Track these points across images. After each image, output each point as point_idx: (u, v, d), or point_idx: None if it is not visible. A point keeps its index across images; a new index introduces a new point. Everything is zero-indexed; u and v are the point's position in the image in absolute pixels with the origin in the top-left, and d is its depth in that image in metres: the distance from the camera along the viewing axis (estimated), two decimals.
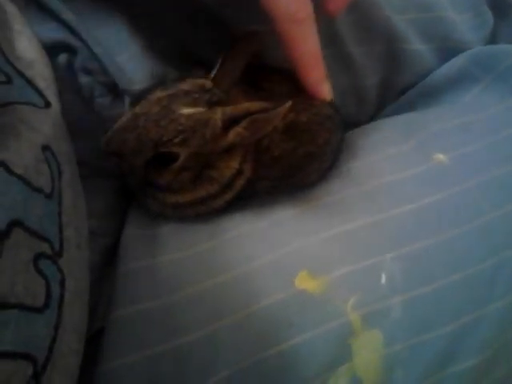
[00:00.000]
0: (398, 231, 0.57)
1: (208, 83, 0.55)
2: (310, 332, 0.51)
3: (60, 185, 0.44)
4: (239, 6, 0.63)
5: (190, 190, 0.57)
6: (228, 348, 0.50)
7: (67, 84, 0.61)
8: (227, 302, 0.53)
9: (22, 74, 0.45)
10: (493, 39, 0.78)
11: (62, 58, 0.63)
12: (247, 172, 0.58)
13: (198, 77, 0.57)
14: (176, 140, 0.52)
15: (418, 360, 0.50)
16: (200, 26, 0.64)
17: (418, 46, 0.72)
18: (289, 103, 0.50)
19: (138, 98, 0.59)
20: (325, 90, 0.57)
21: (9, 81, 0.42)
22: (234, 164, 0.56)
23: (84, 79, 0.64)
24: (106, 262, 0.59)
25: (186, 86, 0.55)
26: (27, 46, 0.49)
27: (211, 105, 0.53)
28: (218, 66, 0.56)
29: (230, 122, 0.53)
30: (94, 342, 0.51)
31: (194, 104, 0.53)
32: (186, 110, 0.52)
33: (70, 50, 0.63)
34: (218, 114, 0.53)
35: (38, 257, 0.37)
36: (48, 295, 0.38)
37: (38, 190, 0.39)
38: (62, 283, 0.40)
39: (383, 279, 0.53)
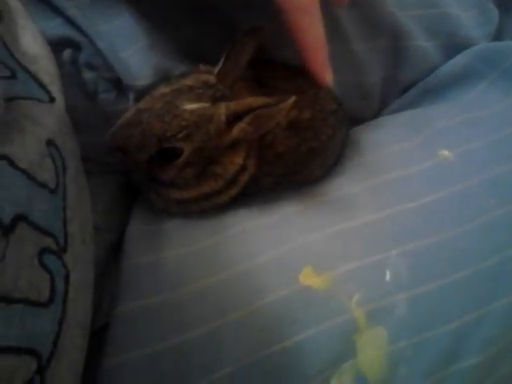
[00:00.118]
0: (402, 228, 0.57)
1: (212, 79, 0.55)
2: (314, 328, 0.50)
3: (65, 180, 0.44)
4: (245, 2, 0.63)
5: (194, 185, 0.57)
6: (231, 344, 0.50)
7: (72, 80, 0.61)
8: (230, 298, 0.53)
9: (26, 69, 0.45)
10: (498, 36, 0.78)
11: (67, 53, 0.63)
12: (251, 168, 0.58)
13: (202, 72, 0.57)
14: (180, 135, 0.52)
15: (423, 357, 0.50)
16: (204, 22, 0.64)
17: (422, 43, 0.72)
18: (292, 98, 0.50)
19: (142, 93, 0.59)
20: (329, 74, 0.57)
21: (13, 76, 0.42)
22: (238, 160, 0.56)
23: (88, 75, 0.64)
24: (111, 257, 0.59)
25: (189, 81, 0.55)
26: (31, 42, 0.49)
27: (215, 100, 0.53)
28: (221, 61, 0.55)
29: (234, 118, 0.52)
30: (98, 338, 0.51)
31: (197, 99, 0.53)
32: (190, 106, 0.52)
33: (75, 45, 0.63)
34: (222, 110, 0.53)
35: (43, 252, 0.37)
36: (53, 290, 0.38)
37: (43, 185, 0.39)
38: (67, 278, 0.40)
39: (388, 276, 0.53)
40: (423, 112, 0.72)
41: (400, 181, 0.62)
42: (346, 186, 0.63)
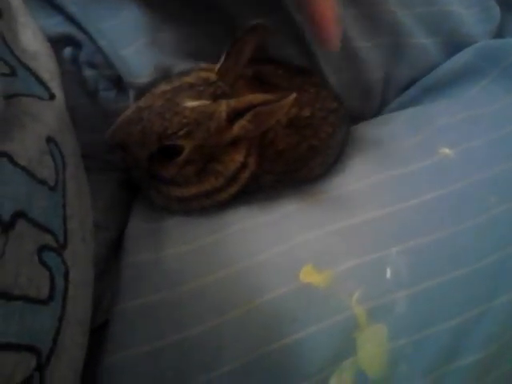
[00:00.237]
0: (403, 225, 0.57)
1: (212, 76, 0.55)
2: (315, 326, 0.50)
3: (64, 177, 0.44)
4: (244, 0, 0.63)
5: (194, 183, 0.57)
6: (231, 342, 0.50)
7: (72, 77, 0.61)
8: (230, 296, 0.53)
9: (26, 66, 0.45)
10: (499, 33, 0.78)
11: (67, 51, 0.63)
12: (252, 165, 0.58)
13: (203, 70, 0.57)
14: (180, 133, 0.52)
15: (423, 354, 0.50)
16: (205, 20, 0.64)
17: (423, 40, 0.72)
18: (293, 95, 0.50)
19: (142, 91, 0.59)
20: (337, 33, 0.55)
21: (13, 73, 0.42)
22: (239, 157, 0.56)
23: (89, 72, 0.64)
24: (111, 254, 0.59)
25: (190, 78, 0.55)
26: (31, 39, 0.49)
27: (216, 98, 0.54)
28: (222, 58, 0.55)
29: (235, 115, 0.53)
30: (98, 335, 0.51)
31: (198, 97, 0.53)
32: (191, 103, 0.52)
33: (75, 43, 0.63)
34: (223, 107, 0.53)
35: (42, 249, 0.37)
36: (52, 287, 0.38)
37: (42, 182, 0.39)
38: (66, 275, 0.40)
39: (388, 273, 0.53)
40: (424, 110, 0.72)
41: (401, 178, 0.62)
42: (346, 183, 0.63)
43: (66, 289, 0.40)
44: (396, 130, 0.69)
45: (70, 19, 0.62)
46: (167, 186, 0.58)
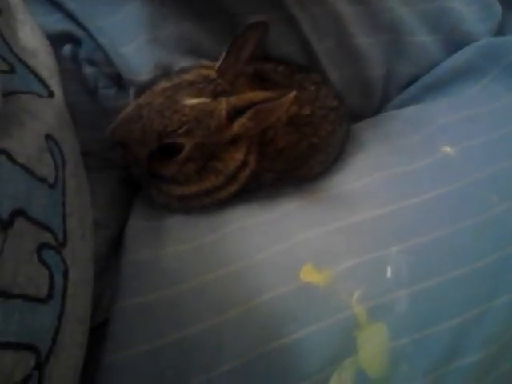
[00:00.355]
0: (404, 224, 0.57)
1: (212, 73, 0.55)
2: (315, 325, 0.50)
3: (64, 175, 0.44)
4: None
5: (194, 181, 0.57)
6: (230, 341, 0.50)
7: (72, 75, 0.61)
8: (230, 295, 0.52)
9: (25, 64, 0.45)
10: (500, 31, 0.78)
11: (67, 48, 0.63)
12: (252, 164, 0.58)
13: (203, 67, 0.57)
14: (180, 131, 0.52)
15: (423, 354, 0.50)
16: (205, 17, 0.64)
17: (424, 38, 0.72)
18: (293, 93, 0.50)
19: (142, 88, 0.59)
20: None
21: (12, 70, 0.42)
22: (239, 156, 0.56)
23: (88, 70, 0.64)
24: (111, 252, 0.59)
25: (190, 76, 0.55)
26: (30, 36, 0.49)
27: (216, 95, 0.53)
28: (223, 56, 0.55)
29: (235, 113, 0.52)
30: (98, 334, 0.51)
31: (198, 94, 0.53)
32: (191, 101, 0.52)
33: (75, 40, 0.63)
34: (223, 105, 0.53)
35: (42, 247, 0.37)
36: (51, 286, 0.37)
37: (42, 180, 0.39)
38: (66, 274, 0.40)
39: (389, 272, 0.53)
40: (425, 108, 0.72)
41: (401, 177, 0.62)
42: (346, 182, 0.63)
43: (65, 287, 0.40)
44: (397, 128, 0.69)
45: (70, 16, 0.62)
46: (167, 184, 0.58)
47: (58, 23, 0.62)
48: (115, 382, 0.48)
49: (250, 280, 0.53)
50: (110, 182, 0.63)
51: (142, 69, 0.61)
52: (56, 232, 0.40)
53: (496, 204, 0.58)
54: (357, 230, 0.57)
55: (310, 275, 0.53)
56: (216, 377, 0.48)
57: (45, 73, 0.47)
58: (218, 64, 0.56)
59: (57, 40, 0.60)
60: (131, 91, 0.62)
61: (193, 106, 0.52)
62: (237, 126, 0.53)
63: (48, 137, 0.42)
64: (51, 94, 0.46)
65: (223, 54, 0.55)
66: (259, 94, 0.53)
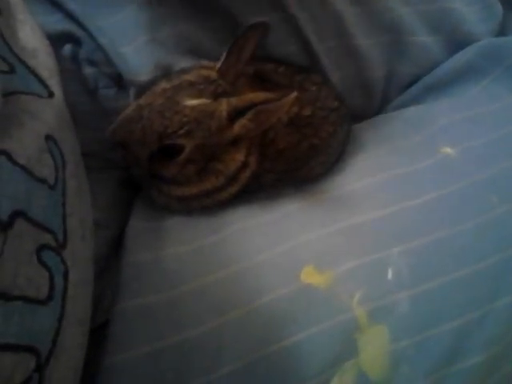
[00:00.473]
0: (405, 225, 0.57)
1: (213, 74, 0.55)
2: (315, 327, 0.50)
3: (64, 175, 0.44)
4: None
5: (195, 182, 0.57)
6: (231, 343, 0.50)
7: (72, 75, 0.61)
8: (230, 296, 0.52)
9: (25, 64, 0.45)
10: (502, 31, 0.77)
11: (67, 49, 0.63)
12: (252, 165, 0.58)
13: (203, 68, 0.57)
14: (181, 132, 0.51)
15: (424, 356, 0.50)
16: (205, 17, 0.64)
17: (425, 38, 0.72)
18: (294, 94, 0.50)
19: (142, 89, 0.59)
20: None
21: (12, 70, 0.42)
22: (240, 157, 0.56)
23: (88, 70, 0.64)
24: (111, 253, 0.59)
25: (190, 77, 0.55)
26: (30, 36, 0.49)
27: (216, 96, 0.53)
28: (223, 57, 0.55)
29: (236, 114, 0.52)
30: (98, 335, 0.51)
31: (198, 95, 0.53)
32: (191, 102, 0.52)
33: (75, 40, 0.63)
34: (224, 106, 0.52)
35: (42, 248, 0.37)
36: (52, 287, 0.37)
37: (42, 181, 0.39)
38: (66, 275, 0.40)
39: (390, 274, 0.53)
40: (425, 108, 0.72)
41: (402, 178, 0.62)
42: (347, 183, 0.62)
43: (65, 288, 0.40)
44: (397, 128, 0.69)
45: (70, 16, 0.62)
46: (168, 185, 0.58)
47: (58, 23, 0.62)
48: (115, 383, 0.48)
49: (251, 281, 0.53)
50: (110, 183, 0.63)
51: (142, 69, 0.61)
52: (56, 233, 0.40)
53: (497, 205, 0.58)
54: (357, 232, 0.57)
55: (310, 277, 0.53)
56: (216, 379, 0.48)
57: (45, 73, 0.47)
58: (218, 65, 0.55)
59: (57, 40, 0.60)
60: (131, 91, 0.62)
61: (193, 107, 0.52)
62: (237, 126, 0.53)
63: (48, 137, 0.42)
64: (51, 95, 0.46)
65: (224, 54, 0.55)
66: (260, 95, 0.53)
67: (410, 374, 0.49)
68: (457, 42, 0.73)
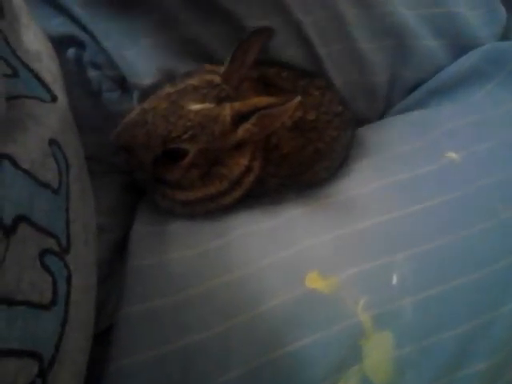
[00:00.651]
0: (409, 231, 0.57)
1: (217, 79, 0.55)
2: (320, 333, 0.50)
3: (68, 179, 0.43)
4: (250, 1, 0.63)
5: (199, 186, 0.57)
6: (237, 347, 0.50)
7: (75, 78, 0.61)
8: (235, 301, 0.52)
9: (28, 68, 0.45)
10: (506, 35, 0.77)
11: (71, 52, 0.63)
12: (256, 169, 0.57)
13: (207, 72, 0.57)
14: (185, 136, 0.51)
15: (429, 362, 0.49)
16: (210, 21, 0.64)
17: (428, 42, 0.72)
18: (298, 98, 0.49)
19: (146, 92, 0.59)
20: None
21: (15, 74, 0.42)
22: (243, 161, 0.56)
23: (92, 73, 0.64)
24: (115, 257, 0.59)
25: (194, 81, 0.55)
26: (34, 39, 0.49)
27: (220, 100, 0.53)
28: (227, 61, 0.55)
29: (239, 118, 0.52)
30: (102, 340, 0.50)
31: (202, 100, 0.53)
32: (195, 106, 0.52)
33: (79, 44, 0.63)
34: (227, 110, 0.52)
35: (45, 253, 0.37)
36: (55, 292, 0.37)
37: (45, 185, 0.39)
38: (69, 280, 0.40)
39: (394, 280, 0.53)
40: (429, 113, 0.71)
41: (406, 183, 0.61)
42: (351, 188, 0.62)
43: (68, 293, 0.40)
44: (401, 133, 0.69)
45: (74, 20, 0.62)
46: (172, 189, 0.58)
47: (61, 26, 0.62)
48: None
49: (255, 286, 0.53)
50: (113, 187, 0.63)
51: (146, 72, 0.61)
52: (59, 237, 0.39)
53: (501, 210, 0.58)
54: (362, 237, 0.57)
55: (315, 282, 0.53)
56: (222, 383, 0.48)
57: (48, 77, 0.47)
58: (222, 69, 0.55)
59: (60, 43, 0.60)
60: (135, 95, 0.62)
61: (197, 112, 0.52)
62: (241, 131, 0.53)
63: (52, 141, 0.42)
64: (54, 99, 0.46)
65: (227, 58, 0.55)
66: (263, 100, 0.52)
67: (414, 380, 0.48)
68: (461, 46, 0.73)
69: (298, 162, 0.60)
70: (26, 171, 0.36)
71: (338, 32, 0.67)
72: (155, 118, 0.52)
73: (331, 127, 0.61)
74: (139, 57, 0.61)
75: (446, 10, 0.71)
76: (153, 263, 0.55)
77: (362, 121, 0.73)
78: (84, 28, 0.61)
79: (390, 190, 0.61)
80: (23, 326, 0.33)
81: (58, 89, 0.47)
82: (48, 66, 0.48)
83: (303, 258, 0.55)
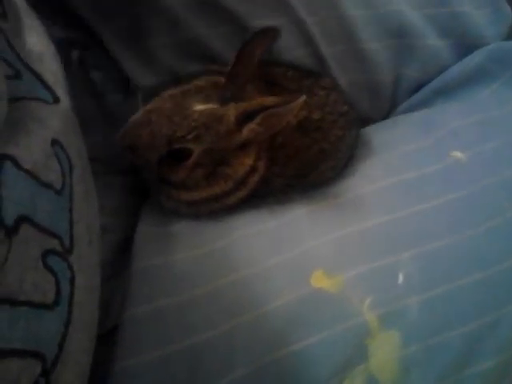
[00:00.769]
0: (415, 230, 0.57)
1: (221, 79, 0.55)
2: (326, 332, 0.50)
3: (71, 180, 0.43)
4: (254, 2, 0.63)
5: (203, 186, 0.57)
6: (243, 346, 0.50)
7: (79, 79, 0.61)
8: (241, 300, 0.52)
9: (31, 69, 0.45)
10: (511, 34, 0.77)
11: (74, 54, 0.63)
12: (261, 169, 0.57)
13: (212, 73, 0.57)
14: (189, 136, 0.51)
15: (435, 361, 0.49)
16: (215, 22, 0.64)
17: (434, 42, 0.72)
18: (303, 98, 0.49)
19: (150, 93, 0.59)
20: None
21: (18, 76, 0.42)
22: (248, 161, 0.56)
23: (96, 75, 0.64)
24: (117, 258, 0.59)
25: (199, 81, 0.55)
26: (36, 41, 0.49)
27: (224, 101, 0.53)
28: (232, 62, 0.55)
29: (244, 118, 0.52)
30: (107, 341, 0.50)
31: (207, 100, 0.53)
32: (199, 107, 0.52)
33: (82, 45, 0.63)
34: (232, 110, 0.52)
35: (47, 253, 0.37)
36: (58, 292, 0.37)
37: (48, 186, 0.39)
38: (72, 280, 0.40)
39: (400, 279, 0.53)
40: (435, 112, 0.71)
41: (412, 182, 0.61)
42: (357, 187, 0.62)
43: (71, 294, 0.39)
44: (406, 132, 0.69)
45: (77, 21, 0.62)
46: (177, 189, 0.58)
47: (65, 28, 0.62)
48: None
49: (261, 286, 0.53)
50: (116, 188, 0.63)
51: (150, 73, 0.61)
52: (62, 238, 0.39)
53: (508, 209, 0.57)
54: (368, 236, 0.56)
55: (320, 281, 0.53)
56: (229, 382, 0.48)
57: (51, 78, 0.47)
58: (227, 69, 0.55)
59: (64, 45, 0.60)
60: (139, 96, 0.62)
61: (202, 112, 0.52)
62: (246, 131, 0.53)
63: (54, 142, 0.42)
64: (57, 100, 0.46)
65: (232, 59, 0.55)
66: (268, 99, 0.52)
67: (420, 379, 0.48)
68: (466, 45, 0.73)
69: (303, 162, 0.60)
70: (28, 172, 0.36)
71: (342, 32, 0.67)
72: (160, 118, 0.52)
73: (336, 127, 0.61)
74: (143, 58, 0.61)
75: (451, 10, 0.71)
76: (158, 264, 0.55)
77: (366, 120, 0.73)
78: (88, 29, 0.62)
79: (395, 190, 0.60)
80: (26, 326, 0.33)
81: (60, 90, 0.47)
82: (50, 68, 0.48)
83: (308, 258, 0.55)
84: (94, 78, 0.64)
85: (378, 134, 0.69)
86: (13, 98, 0.39)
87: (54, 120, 0.43)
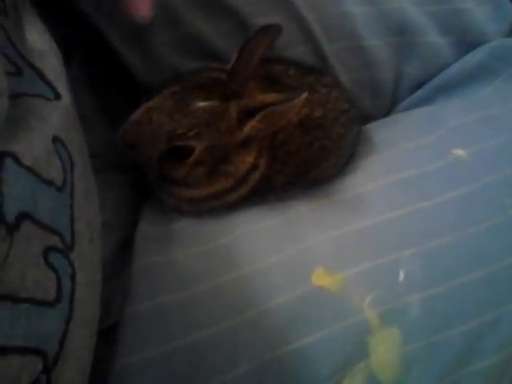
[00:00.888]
0: (416, 227, 0.57)
1: (223, 76, 0.55)
2: (327, 329, 0.50)
3: (72, 177, 0.43)
4: None
5: (205, 184, 0.57)
6: (246, 343, 0.50)
7: (81, 77, 0.61)
8: (242, 297, 0.52)
9: (32, 66, 0.45)
10: None
11: (75, 51, 0.63)
12: (262, 167, 0.57)
13: (213, 70, 0.57)
14: (190, 133, 0.51)
15: (436, 358, 0.49)
16: (216, 19, 0.64)
17: (435, 39, 0.71)
18: (304, 95, 0.49)
19: (152, 90, 0.59)
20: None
21: (19, 72, 0.42)
22: (250, 159, 0.56)
23: (97, 71, 0.64)
24: (118, 255, 0.59)
25: (200, 79, 0.55)
26: (37, 38, 0.48)
27: (226, 98, 0.53)
28: (234, 59, 0.55)
29: (245, 115, 0.52)
30: (108, 338, 0.51)
31: (208, 97, 0.53)
32: (201, 104, 0.52)
33: (84, 42, 0.63)
34: (233, 108, 0.52)
35: (49, 250, 0.37)
36: (59, 289, 0.37)
37: (49, 183, 0.39)
38: (73, 277, 0.40)
39: (401, 277, 0.53)
40: (436, 109, 0.71)
41: (413, 180, 0.61)
42: (358, 185, 0.62)
43: (73, 291, 0.39)
44: (408, 130, 0.68)
45: (80, 17, 0.62)
46: (178, 186, 0.58)
47: (66, 25, 0.62)
48: None
49: (263, 283, 0.53)
50: (118, 185, 0.63)
51: (152, 70, 0.61)
52: (64, 235, 0.39)
53: (510, 207, 0.57)
54: (369, 234, 0.56)
55: (321, 279, 0.53)
56: (230, 379, 0.48)
57: (52, 74, 0.47)
58: (228, 66, 0.55)
59: (66, 41, 0.60)
60: (141, 93, 0.62)
61: (203, 109, 0.52)
62: (247, 128, 0.53)
63: (55, 139, 0.42)
64: (58, 97, 0.46)
65: (234, 56, 0.55)
66: (270, 97, 0.52)
67: (421, 377, 0.48)
68: (468, 42, 0.73)
69: (305, 160, 0.60)
70: (28, 168, 0.36)
71: (343, 29, 0.67)
72: (161, 115, 0.52)
73: (338, 124, 0.61)
74: (144, 55, 0.61)
75: (452, 7, 0.71)
76: (160, 261, 0.55)
77: (367, 118, 0.73)
78: (90, 26, 0.62)
79: (396, 187, 0.60)
80: (27, 324, 0.33)
81: (61, 87, 0.47)
82: (52, 64, 0.48)
83: (309, 255, 0.55)
84: (94, 74, 0.64)
85: (379, 132, 0.69)
86: (14, 94, 0.39)
87: (55, 117, 0.43)
